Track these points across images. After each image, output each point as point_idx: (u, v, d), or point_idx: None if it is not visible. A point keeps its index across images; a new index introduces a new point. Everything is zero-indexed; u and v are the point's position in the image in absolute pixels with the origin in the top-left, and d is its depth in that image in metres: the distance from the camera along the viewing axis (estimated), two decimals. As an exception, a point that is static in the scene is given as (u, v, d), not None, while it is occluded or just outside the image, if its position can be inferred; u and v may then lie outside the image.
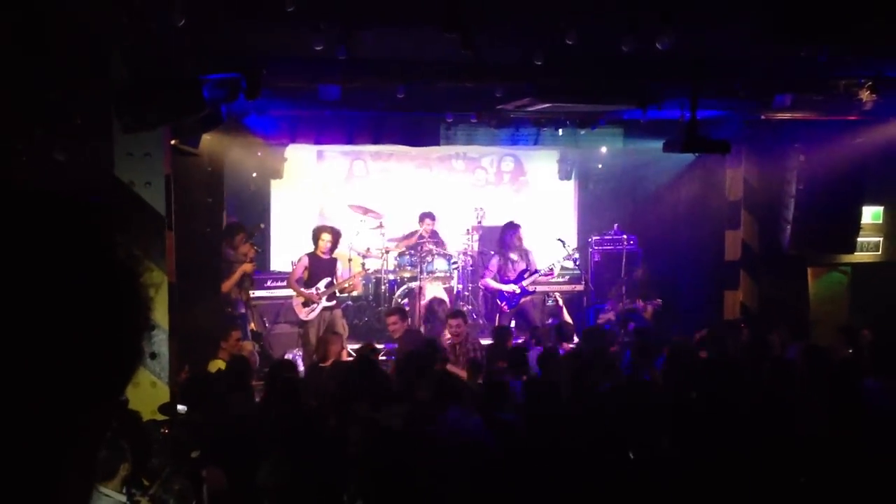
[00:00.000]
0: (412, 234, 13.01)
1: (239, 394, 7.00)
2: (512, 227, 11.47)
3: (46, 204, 0.89)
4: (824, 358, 7.89)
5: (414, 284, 12.24)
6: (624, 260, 12.07)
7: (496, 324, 11.46)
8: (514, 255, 11.40)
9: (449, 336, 9.15)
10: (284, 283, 11.42)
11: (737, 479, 4.83)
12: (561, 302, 10.86)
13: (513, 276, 11.33)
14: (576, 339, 9.51)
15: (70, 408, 0.85)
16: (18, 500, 0.82)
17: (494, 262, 11.48)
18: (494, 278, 11.40)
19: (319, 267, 10.63)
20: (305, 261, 10.67)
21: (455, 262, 12.92)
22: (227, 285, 10.18)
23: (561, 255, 11.89)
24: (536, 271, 11.43)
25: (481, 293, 12.21)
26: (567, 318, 10.94)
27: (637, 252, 12.57)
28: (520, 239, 11.43)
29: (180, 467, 5.36)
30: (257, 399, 7.71)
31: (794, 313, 11.37)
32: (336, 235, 10.78)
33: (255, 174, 12.64)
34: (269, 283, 11.80)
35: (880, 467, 4.91)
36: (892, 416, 6.27)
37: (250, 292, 10.85)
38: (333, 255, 10.82)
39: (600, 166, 13.65)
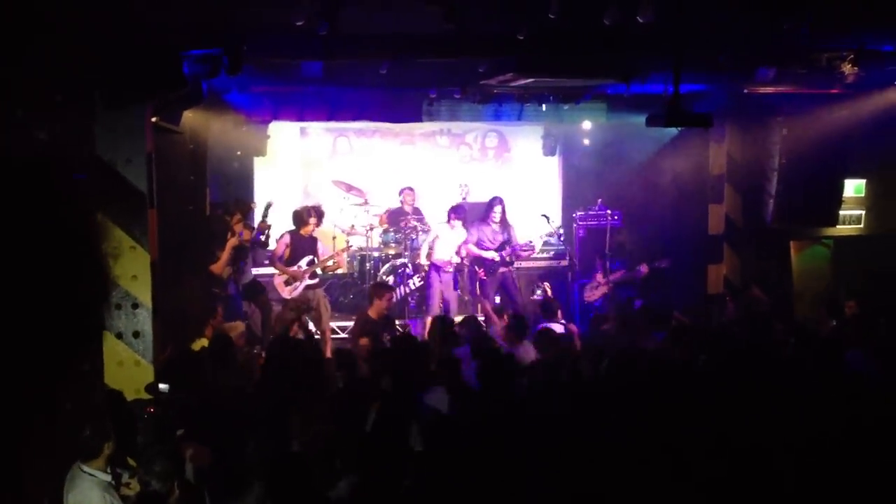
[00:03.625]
0: (397, 210, 13.03)
1: (222, 371, 6.99)
2: (496, 201, 11.56)
3: None
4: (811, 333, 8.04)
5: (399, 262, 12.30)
6: (608, 235, 12.08)
7: (476, 292, 11.60)
8: (495, 227, 11.45)
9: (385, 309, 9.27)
10: (267, 262, 11.42)
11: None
12: (550, 292, 10.86)
13: (492, 246, 11.40)
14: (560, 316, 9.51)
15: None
16: None
17: (475, 231, 11.55)
18: (475, 245, 11.45)
19: (301, 245, 10.60)
20: (287, 238, 10.64)
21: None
22: (218, 266, 10.11)
23: (543, 231, 11.94)
24: (516, 245, 11.50)
25: (466, 269, 12.21)
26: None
27: (621, 227, 12.61)
28: (503, 212, 11.46)
29: (164, 446, 5.37)
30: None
31: (777, 286, 11.45)
32: (321, 217, 10.77)
33: (238, 152, 12.57)
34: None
35: (865, 436, 4.99)
36: (874, 383, 6.38)
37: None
38: (314, 235, 10.78)
39: (586, 141, 13.64)
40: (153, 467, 4.99)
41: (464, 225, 11.49)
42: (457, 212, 11.44)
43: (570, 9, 6.43)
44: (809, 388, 6.10)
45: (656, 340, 8.09)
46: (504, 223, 11.56)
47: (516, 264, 12.00)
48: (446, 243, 11.42)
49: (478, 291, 11.73)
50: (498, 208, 11.46)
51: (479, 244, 11.44)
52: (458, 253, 11.55)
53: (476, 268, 11.59)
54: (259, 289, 10.67)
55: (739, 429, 5.20)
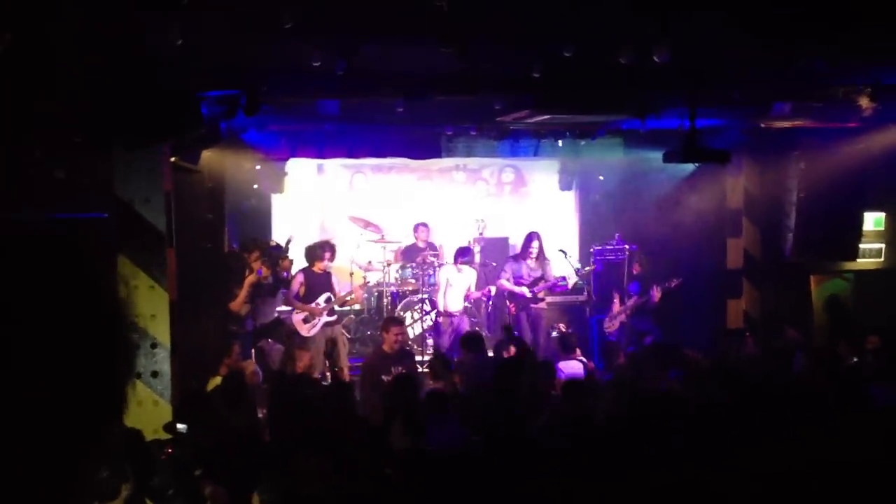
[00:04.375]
0: (411, 247, 13.05)
1: (236, 411, 6.97)
2: (534, 236, 11.49)
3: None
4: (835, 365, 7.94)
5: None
6: (626, 269, 12.03)
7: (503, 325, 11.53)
8: (531, 263, 11.40)
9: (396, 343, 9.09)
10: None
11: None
12: (564, 330, 10.76)
13: (527, 282, 11.33)
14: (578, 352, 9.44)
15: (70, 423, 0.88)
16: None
17: (510, 266, 11.50)
18: (508, 280, 11.41)
19: (316, 281, 10.60)
20: (301, 277, 10.61)
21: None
22: (236, 303, 10.13)
23: (572, 269, 11.85)
24: (551, 280, 11.44)
25: (484, 305, 12.18)
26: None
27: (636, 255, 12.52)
28: (541, 247, 11.42)
29: (183, 487, 5.35)
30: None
31: (798, 321, 11.34)
32: (334, 252, 10.78)
33: (255, 186, 12.65)
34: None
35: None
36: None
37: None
38: (329, 270, 10.78)
39: (601, 177, 13.65)
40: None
41: (471, 265, 11.45)
42: (464, 254, 11.39)
43: (585, 47, 6.46)
44: (836, 423, 6.02)
45: (669, 379, 7.99)
46: (541, 258, 11.49)
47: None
48: (457, 290, 11.40)
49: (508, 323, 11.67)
50: (535, 244, 11.36)
51: (516, 280, 11.38)
52: (467, 298, 11.52)
53: (507, 302, 11.53)
54: (276, 325, 10.70)
55: (765, 466, 5.13)
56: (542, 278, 11.35)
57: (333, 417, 6.66)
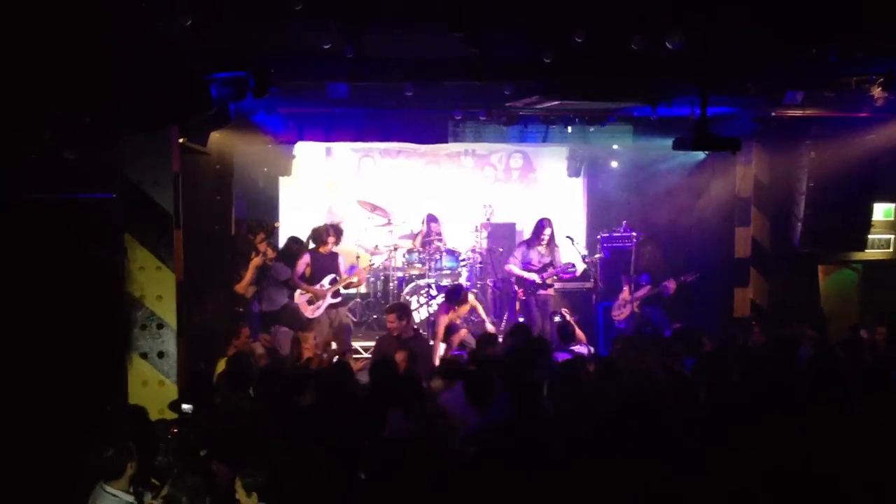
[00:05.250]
0: (418, 234, 13.04)
1: (237, 393, 6.98)
2: (546, 222, 11.43)
3: None
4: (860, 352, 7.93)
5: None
6: (633, 257, 12.00)
7: (508, 316, 11.51)
8: (541, 249, 11.37)
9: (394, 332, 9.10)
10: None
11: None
12: (569, 317, 10.65)
13: (536, 268, 11.32)
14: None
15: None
16: None
17: (520, 251, 11.50)
18: (517, 265, 11.40)
19: (321, 264, 10.60)
20: (307, 258, 10.63)
21: (464, 260, 12.92)
22: (242, 285, 10.15)
23: (580, 257, 11.82)
24: (559, 266, 11.43)
25: (490, 291, 12.18)
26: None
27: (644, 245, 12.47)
28: (551, 235, 11.39)
29: (188, 466, 5.36)
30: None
31: (805, 311, 11.31)
32: (339, 234, 10.77)
33: (265, 169, 12.65)
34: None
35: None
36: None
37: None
38: (335, 251, 10.77)
39: (615, 164, 13.60)
40: (185, 483, 4.92)
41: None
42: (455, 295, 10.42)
43: (596, 34, 6.42)
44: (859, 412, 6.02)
45: (685, 366, 7.95)
46: (552, 245, 11.46)
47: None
48: None
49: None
50: (548, 230, 11.31)
51: (525, 265, 11.36)
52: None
53: (516, 288, 11.53)
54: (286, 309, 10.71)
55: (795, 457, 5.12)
56: (550, 264, 11.34)
57: (328, 399, 6.67)
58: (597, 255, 11.97)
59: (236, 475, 5.08)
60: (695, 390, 6.58)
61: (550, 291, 11.49)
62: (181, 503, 4.79)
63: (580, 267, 11.87)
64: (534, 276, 11.25)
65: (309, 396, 6.75)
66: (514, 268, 11.39)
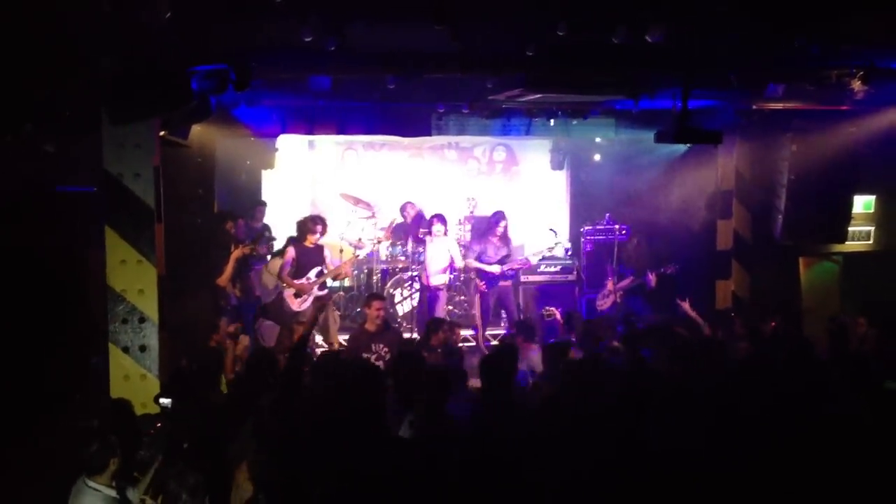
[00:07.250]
0: (400, 225, 13.04)
1: (211, 388, 6.96)
2: (500, 216, 11.60)
3: None
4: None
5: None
6: (615, 250, 12.05)
7: (477, 305, 11.58)
8: (496, 241, 11.50)
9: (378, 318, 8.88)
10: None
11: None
12: (558, 315, 10.59)
13: (493, 260, 11.45)
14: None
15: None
16: None
17: (476, 245, 11.67)
18: (476, 258, 11.51)
19: (307, 256, 10.56)
20: (292, 252, 10.58)
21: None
22: (223, 278, 10.09)
23: (544, 246, 11.94)
24: (514, 259, 11.70)
25: (473, 284, 12.18)
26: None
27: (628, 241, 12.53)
28: (505, 228, 11.51)
29: (171, 460, 5.33)
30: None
31: (786, 302, 11.38)
32: (325, 227, 10.73)
33: (248, 162, 12.59)
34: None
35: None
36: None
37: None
38: (320, 244, 10.74)
39: (598, 157, 13.65)
40: (187, 479, 4.87)
41: (442, 234, 11.46)
42: (424, 223, 11.48)
43: (578, 27, 6.43)
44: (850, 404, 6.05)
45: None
46: (505, 238, 11.60)
47: (522, 279, 12.04)
48: (435, 263, 11.48)
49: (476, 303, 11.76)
50: (503, 223, 11.48)
51: (480, 258, 11.46)
52: (452, 268, 11.58)
53: (477, 281, 11.61)
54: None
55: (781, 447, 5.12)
56: (507, 256, 11.52)
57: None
58: (556, 245, 12.05)
59: (214, 469, 5.06)
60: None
61: (511, 284, 11.68)
62: (181, 500, 4.77)
63: (534, 260, 12.01)
64: (495, 269, 11.34)
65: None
66: (474, 262, 11.48)
